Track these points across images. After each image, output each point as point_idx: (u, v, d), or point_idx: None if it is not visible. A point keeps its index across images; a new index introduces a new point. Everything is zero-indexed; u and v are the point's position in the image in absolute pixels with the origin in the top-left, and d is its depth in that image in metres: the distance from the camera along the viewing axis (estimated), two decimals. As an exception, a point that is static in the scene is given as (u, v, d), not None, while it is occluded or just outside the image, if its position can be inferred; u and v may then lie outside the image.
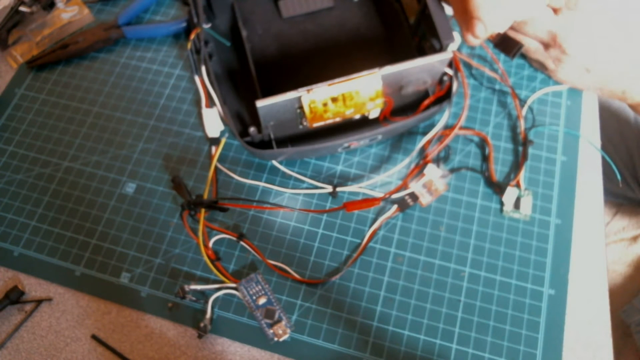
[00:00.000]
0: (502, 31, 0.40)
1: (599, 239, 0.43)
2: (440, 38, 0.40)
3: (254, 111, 0.38)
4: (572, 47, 0.44)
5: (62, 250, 0.43)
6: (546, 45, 0.45)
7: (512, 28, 0.45)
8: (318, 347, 0.39)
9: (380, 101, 0.39)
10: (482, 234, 0.43)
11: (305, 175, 0.45)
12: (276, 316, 0.40)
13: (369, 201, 0.42)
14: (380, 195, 0.43)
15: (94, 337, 0.40)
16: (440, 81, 0.43)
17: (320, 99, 0.37)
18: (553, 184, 0.44)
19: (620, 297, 0.59)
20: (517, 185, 0.44)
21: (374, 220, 0.43)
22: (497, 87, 0.48)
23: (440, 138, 0.45)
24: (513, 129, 0.47)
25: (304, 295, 0.41)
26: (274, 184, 0.45)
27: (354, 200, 0.42)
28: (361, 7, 0.50)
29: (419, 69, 0.38)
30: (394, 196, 0.43)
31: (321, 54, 0.48)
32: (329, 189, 0.44)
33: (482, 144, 0.46)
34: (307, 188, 0.45)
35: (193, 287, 0.40)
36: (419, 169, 0.44)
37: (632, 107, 0.47)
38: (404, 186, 0.44)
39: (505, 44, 0.40)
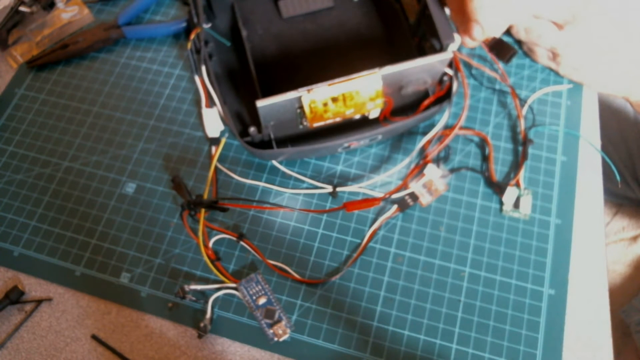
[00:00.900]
0: (497, 35, 0.41)
1: (599, 239, 0.43)
2: (440, 38, 0.40)
3: (254, 111, 0.38)
4: (574, 60, 0.45)
5: (62, 250, 0.43)
6: (553, 55, 0.46)
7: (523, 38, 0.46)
8: (318, 347, 0.39)
9: (380, 101, 0.39)
10: (482, 234, 0.43)
11: (305, 175, 0.45)
12: (276, 316, 0.40)
13: (369, 201, 0.42)
14: (380, 195, 0.43)
15: (94, 337, 0.40)
16: (440, 81, 0.43)
17: (321, 99, 0.37)
18: (553, 184, 0.44)
19: (620, 297, 0.59)
20: (517, 185, 0.44)
21: (374, 220, 0.43)
22: (497, 87, 0.48)
23: (440, 138, 0.45)
24: (513, 129, 0.47)
25: (304, 295, 0.41)
26: (274, 184, 0.45)
27: (354, 200, 0.42)
28: (361, 7, 0.50)
29: (419, 69, 0.38)
30: (394, 196, 0.43)
31: (321, 54, 0.48)
32: (329, 189, 0.44)
33: (482, 144, 0.46)
34: (307, 188, 0.45)
35: (193, 287, 0.40)
36: (419, 169, 0.44)
37: (634, 105, 0.47)
38: (404, 186, 0.44)
39: (500, 48, 0.41)
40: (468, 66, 0.49)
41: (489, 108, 0.48)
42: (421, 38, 0.45)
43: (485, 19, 0.38)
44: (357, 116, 0.41)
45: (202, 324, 0.39)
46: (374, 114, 0.42)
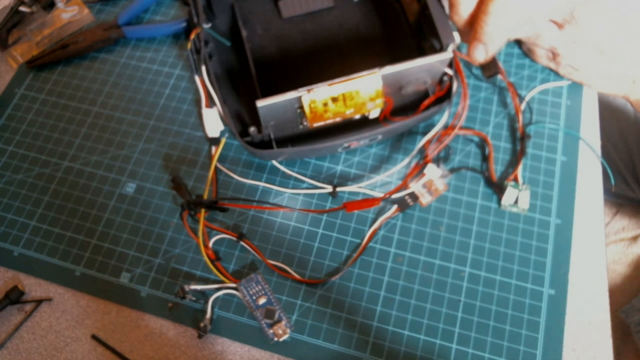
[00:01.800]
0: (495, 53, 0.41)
1: (599, 239, 0.43)
2: (440, 38, 0.40)
3: (254, 111, 0.38)
4: (574, 59, 0.45)
5: (62, 250, 0.43)
6: (553, 55, 0.46)
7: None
8: (318, 347, 0.39)
9: (380, 101, 0.39)
10: (482, 234, 0.43)
11: (305, 175, 0.45)
12: (276, 316, 0.40)
13: (369, 201, 0.42)
14: (380, 195, 0.43)
15: (94, 337, 0.40)
16: (440, 81, 0.43)
17: (321, 99, 0.37)
18: (553, 184, 0.44)
19: (620, 297, 0.59)
20: (515, 180, 0.44)
21: (374, 220, 0.43)
22: (497, 86, 0.48)
23: (441, 138, 0.45)
24: (513, 129, 0.47)
25: (304, 295, 0.41)
26: (274, 184, 0.45)
27: (354, 200, 0.42)
28: (361, 7, 0.50)
29: (419, 69, 0.38)
30: (394, 196, 0.43)
31: (321, 54, 0.48)
32: (329, 189, 0.44)
33: (482, 144, 0.46)
34: (307, 188, 0.45)
35: (193, 287, 0.40)
36: (419, 169, 0.44)
37: (634, 104, 0.47)
38: (404, 186, 0.44)
39: (488, 64, 0.41)
40: (468, 66, 0.49)
41: (489, 108, 0.48)
42: (421, 38, 0.45)
43: (494, 44, 0.38)
44: (357, 116, 0.41)
45: (202, 324, 0.39)
46: (374, 114, 0.42)
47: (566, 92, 0.48)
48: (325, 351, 0.39)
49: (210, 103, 0.48)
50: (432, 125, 0.46)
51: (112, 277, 0.42)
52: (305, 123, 0.40)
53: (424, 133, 0.46)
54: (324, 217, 0.44)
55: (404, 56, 0.39)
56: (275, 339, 0.39)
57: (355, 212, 0.44)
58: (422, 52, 0.45)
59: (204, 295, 0.41)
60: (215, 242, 0.43)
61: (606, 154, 0.67)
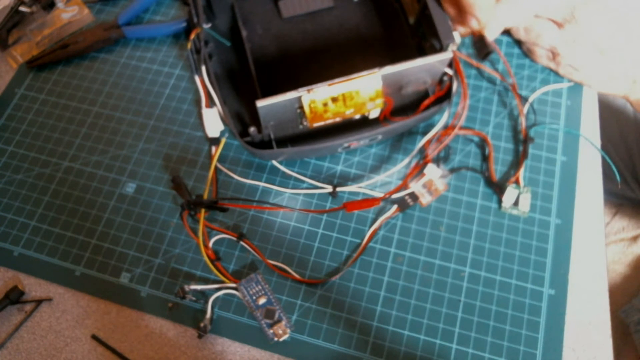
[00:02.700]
0: (496, 36, 0.41)
1: (599, 239, 0.43)
2: (440, 38, 0.40)
3: (254, 111, 0.38)
4: (574, 59, 0.45)
5: (62, 250, 0.43)
6: (553, 55, 0.46)
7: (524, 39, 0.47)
8: (318, 347, 0.39)
9: (380, 101, 0.39)
10: (482, 234, 0.43)
11: (305, 175, 0.45)
12: (276, 316, 0.40)
13: (369, 201, 0.42)
14: (380, 195, 0.43)
15: (94, 337, 0.40)
16: (440, 81, 0.43)
17: (321, 99, 0.37)
18: (553, 184, 0.44)
19: (620, 297, 0.59)
20: (516, 182, 0.44)
21: (374, 220, 0.43)
22: (497, 86, 0.48)
23: (441, 138, 0.45)
24: (513, 129, 0.47)
25: (304, 295, 0.41)
26: (274, 184, 0.45)
27: (354, 200, 0.42)
28: (361, 7, 0.50)
29: (419, 69, 0.38)
30: (394, 196, 0.43)
31: (321, 54, 0.48)
32: (329, 189, 0.44)
33: (482, 144, 0.46)
34: (307, 188, 0.45)
35: (193, 287, 0.40)
36: (419, 169, 0.44)
37: (633, 104, 0.47)
38: (404, 186, 0.44)
39: (480, 45, 0.41)
40: (468, 66, 0.49)
41: (489, 108, 0.48)
42: (421, 38, 0.45)
43: (492, 33, 0.39)
44: (357, 116, 0.41)
45: (202, 324, 0.39)
46: (374, 114, 0.42)
47: (566, 92, 0.48)
48: (325, 351, 0.39)
49: (210, 103, 0.48)
50: (432, 125, 0.46)
51: (112, 277, 0.42)
52: (305, 123, 0.40)
53: (424, 133, 0.46)
54: (324, 217, 0.44)
55: (404, 56, 0.39)
56: (275, 339, 0.39)
57: (355, 212, 0.44)
58: (422, 52, 0.45)
59: (204, 295, 0.41)
60: (215, 242, 0.43)
61: (606, 154, 0.67)
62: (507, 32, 0.50)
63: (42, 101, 0.50)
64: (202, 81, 0.47)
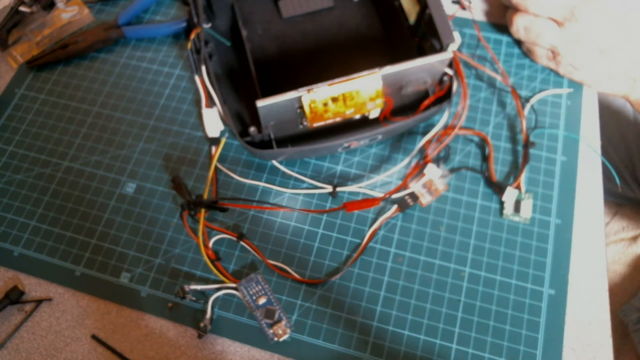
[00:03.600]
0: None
1: (599, 239, 0.43)
2: (440, 38, 0.40)
3: (254, 111, 0.38)
4: (574, 58, 0.45)
5: (62, 250, 0.43)
6: (553, 54, 0.46)
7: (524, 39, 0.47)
8: (318, 347, 0.39)
9: (380, 101, 0.39)
10: (482, 234, 0.43)
11: (305, 175, 0.45)
12: (276, 316, 0.40)
13: (369, 201, 0.42)
14: (380, 195, 0.43)
15: (94, 337, 0.40)
16: (440, 81, 0.43)
17: (321, 99, 0.37)
18: (553, 184, 0.44)
19: (619, 297, 0.59)
20: (518, 188, 0.43)
21: (374, 220, 0.43)
22: (497, 87, 0.48)
23: (440, 138, 0.45)
24: (513, 129, 0.47)
25: (304, 295, 0.41)
26: (274, 184, 0.45)
27: (354, 200, 0.42)
28: (361, 7, 0.50)
29: (419, 69, 0.38)
30: (394, 196, 0.43)
31: (321, 54, 0.48)
32: (329, 189, 0.44)
33: (482, 144, 0.46)
34: (307, 188, 0.45)
35: (193, 287, 0.40)
36: (419, 169, 0.44)
37: (633, 104, 0.47)
38: (404, 186, 0.44)
39: None
40: (468, 66, 0.49)
41: (489, 108, 0.48)
42: (421, 38, 0.45)
43: None
44: (357, 116, 0.41)
45: (202, 324, 0.39)
46: (374, 114, 0.42)
47: (566, 93, 0.48)
48: (325, 351, 0.39)
49: (210, 103, 0.48)
50: (432, 125, 0.46)
51: (112, 277, 0.42)
52: (305, 123, 0.40)
53: (424, 133, 0.46)
54: (324, 217, 0.44)
55: (404, 56, 0.39)
56: (275, 339, 0.39)
57: (355, 212, 0.44)
58: (422, 52, 0.45)
59: (204, 295, 0.41)
60: (215, 242, 0.43)
61: (606, 154, 0.67)
62: (507, 32, 0.50)
63: (42, 101, 0.50)
64: (202, 81, 0.47)
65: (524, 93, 0.48)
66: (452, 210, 0.44)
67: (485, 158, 0.45)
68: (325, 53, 0.48)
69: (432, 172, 0.43)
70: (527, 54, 0.49)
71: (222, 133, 0.47)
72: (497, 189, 0.44)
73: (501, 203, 0.43)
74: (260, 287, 0.40)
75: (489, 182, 0.44)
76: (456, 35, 0.40)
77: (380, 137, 0.43)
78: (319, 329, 0.40)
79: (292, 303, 0.41)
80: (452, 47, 0.40)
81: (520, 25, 0.46)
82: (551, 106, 0.47)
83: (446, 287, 0.41)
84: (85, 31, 0.52)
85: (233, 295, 0.41)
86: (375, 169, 0.46)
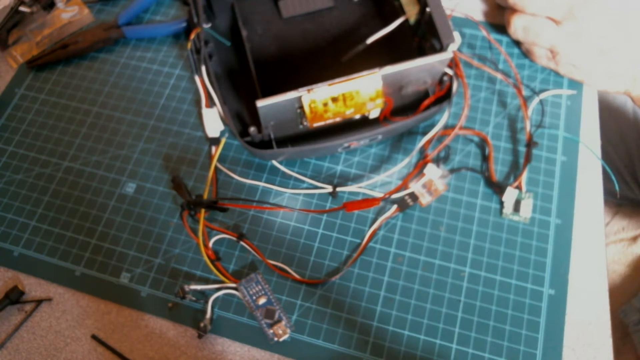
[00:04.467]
0: None
1: (599, 239, 0.43)
2: (440, 38, 0.40)
3: (254, 111, 0.38)
4: (574, 57, 0.45)
5: (62, 250, 0.43)
6: (552, 54, 0.46)
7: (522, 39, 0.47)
8: (318, 347, 0.39)
9: (380, 101, 0.39)
10: (482, 234, 0.43)
11: (305, 175, 0.45)
12: (276, 316, 0.40)
13: (369, 201, 0.42)
14: (380, 195, 0.43)
15: (94, 337, 0.40)
16: (440, 81, 0.43)
17: (321, 99, 0.37)
18: (553, 184, 0.44)
19: (619, 297, 0.59)
20: (519, 188, 0.43)
21: (374, 220, 0.43)
22: (497, 87, 0.48)
23: (441, 138, 0.45)
24: (513, 129, 0.47)
25: (304, 295, 0.41)
26: (274, 184, 0.45)
27: (354, 200, 0.42)
28: (361, 7, 0.50)
29: (419, 69, 0.38)
30: (394, 196, 0.43)
31: (321, 54, 0.48)
32: (329, 189, 0.44)
33: (482, 144, 0.46)
34: (307, 188, 0.45)
35: (193, 287, 0.40)
36: (419, 169, 0.44)
37: (635, 100, 0.47)
38: (403, 186, 0.44)
39: None
40: (468, 66, 0.49)
41: (489, 108, 0.48)
42: (421, 38, 0.45)
43: None
44: (357, 116, 0.41)
45: (202, 324, 0.39)
46: (374, 114, 0.42)
47: (566, 94, 0.48)
48: (325, 351, 0.39)
49: (210, 103, 0.48)
50: (432, 125, 0.46)
51: (112, 277, 0.42)
52: (305, 123, 0.40)
53: (424, 133, 0.46)
54: (324, 217, 0.44)
55: (404, 56, 0.39)
56: (275, 339, 0.39)
57: (355, 212, 0.44)
58: (422, 52, 0.45)
59: (204, 295, 0.41)
60: (215, 242, 0.43)
61: (605, 154, 0.67)
62: (506, 32, 0.50)
63: (42, 101, 0.50)
64: (202, 81, 0.47)
65: (524, 93, 0.48)
66: (452, 210, 0.44)
67: (485, 158, 0.45)
68: (326, 53, 0.48)
69: (432, 172, 0.43)
70: (526, 54, 0.49)
71: (222, 133, 0.47)
72: (497, 189, 0.44)
73: (501, 203, 0.43)
74: (260, 287, 0.40)
75: (489, 182, 0.44)
76: (456, 35, 0.40)
77: (380, 137, 0.43)
78: (319, 329, 0.40)
79: (292, 303, 0.41)
80: (452, 47, 0.40)
81: (518, 25, 0.46)
82: (551, 106, 0.47)
83: (446, 287, 0.41)
84: (85, 31, 0.52)
85: (233, 295, 0.41)
86: (375, 169, 0.46)
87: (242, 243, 0.42)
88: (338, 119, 0.40)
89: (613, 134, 0.67)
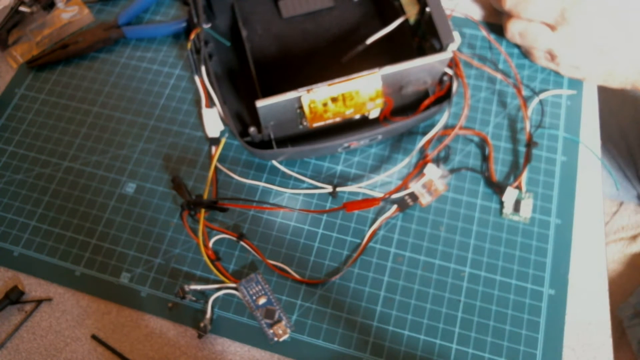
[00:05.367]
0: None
1: (599, 239, 0.43)
2: (440, 38, 0.40)
3: (254, 111, 0.38)
4: (573, 59, 0.45)
5: (62, 250, 0.43)
6: (551, 56, 0.46)
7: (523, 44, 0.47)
8: (318, 347, 0.39)
9: (380, 101, 0.39)
10: (482, 234, 0.43)
11: (305, 175, 0.45)
12: (276, 316, 0.40)
13: (369, 201, 0.42)
14: (380, 195, 0.43)
15: (94, 337, 0.40)
16: (440, 81, 0.43)
17: (320, 99, 0.37)
18: (553, 184, 0.44)
19: (618, 296, 0.59)
20: (519, 188, 0.43)
21: (374, 220, 0.43)
22: (497, 87, 0.48)
23: (441, 138, 0.45)
24: (513, 129, 0.47)
25: (304, 295, 0.41)
26: (274, 184, 0.45)
27: (354, 200, 0.42)
28: (361, 7, 0.50)
29: (419, 69, 0.38)
30: (394, 196, 0.43)
31: (321, 54, 0.48)
32: (329, 189, 0.44)
33: (482, 144, 0.46)
34: (307, 188, 0.45)
35: (193, 287, 0.40)
36: (419, 169, 0.44)
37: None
38: (403, 186, 0.44)
39: None
40: (468, 66, 0.49)
41: (489, 108, 0.48)
42: (421, 38, 0.45)
43: None
44: (357, 116, 0.41)
45: (202, 324, 0.39)
46: (374, 114, 0.42)
47: (566, 94, 0.48)
48: (325, 351, 0.39)
49: (210, 103, 0.48)
50: (432, 125, 0.46)
51: (112, 277, 0.42)
52: (305, 123, 0.40)
53: (424, 133, 0.46)
54: (324, 217, 0.44)
55: (404, 56, 0.39)
56: (275, 339, 0.39)
57: (355, 212, 0.44)
58: (422, 52, 0.45)
59: (204, 295, 0.41)
60: (215, 242, 0.43)
61: (606, 150, 0.67)
62: (503, 36, 0.50)
63: (42, 101, 0.50)
64: (202, 81, 0.47)
65: (523, 93, 0.48)
66: (452, 210, 0.44)
67: (485, 158, 0.45)
68: (325, 53, 0.48)
69: (432, 172, 0.43)
70: (526, 55, 0.49)
71: (222, 133, 0.47)
72: (497, 189, 0.44)
73: (501, 203, 0.43)
74: (260, 287, 0.41)
75: (489, 182, 0.44)
76: (456, 35, 0.40)
77: (380, 137, 0.43)
78: (319, 329, 0.40)
79: (292, 303, 0.41)
80: (452, 47, 0.40)
81: (515, 31, 0.46)
82: (551, 106, 0.47)
83: (446, 287, 0.41)
84: (85, 31, 0.52)
85: (233, 295, 0.41)
86: (375, 169, 0.46)
87: (242, 243, 0.42)
88: (338, 119, 0.40)
89: (614, 131, 0.67)
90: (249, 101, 0.44)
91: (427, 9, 0.41)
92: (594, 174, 0.45)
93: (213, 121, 0.47)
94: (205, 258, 0.42)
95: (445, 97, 0.43)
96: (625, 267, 0.63)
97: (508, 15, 0.47)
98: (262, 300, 0.40)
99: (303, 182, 0.45)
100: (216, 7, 0.49)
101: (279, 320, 0.40)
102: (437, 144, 0.46)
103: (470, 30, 0.51)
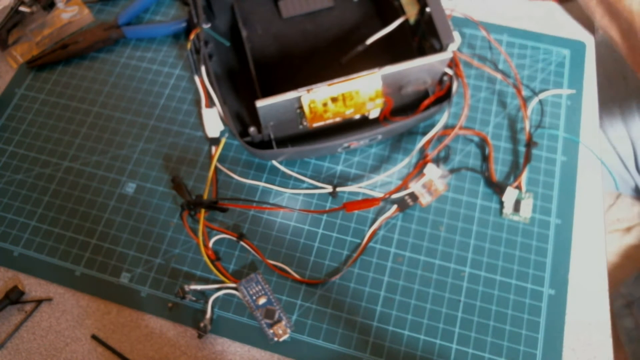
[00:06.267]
0: None
1: (599, 239, 0.43)
2: (440, 38, 0.40)
3: (254, 111, 0.38)
4: None
5: (62, 250, 0.43)
6: None
7: None
8: (318, 347, 0.39)
9: (380, 101, 0.39)
10: (482, 234, 0.43)
11: (305, 175, 0.45)
12: (276, 316, 0.40)
13: (369, 201, 0.42)
14: (380, 195, 0.43)
15: (94, 337, 0.40)
16: (440, 81, 0.43)
17: (320, 99, 0.37)
18: (553, 184, 0.44)
19: (611, 287, 0.60)
20: (519, 188, 0.43)
21: (374, 220, 0.43)
22: (497, 87, 0.48)
23: (441, 138, 0.45)
24: (513, 129, 0.47)
25: (304, 295, 0.41)
26: (274, 184, 0.45)
27: (354, 201, 0.42)
28: (361, 7, 0.50)
29: (419, 69, 0.38)
30: (394, 196, 0.43)
31: (321, 54, 0.48)
32: (329, 189, 0.44)
33: (482, 144, 0.46)
34: (307, 188, 0.45)
35: (193, 287, 0.40)
36: (419, 169, 0.44)
37: None
38: (403, 186, 0.44)
39: None
40: (468, 66, 0.49)
41: (489, 108, 0.48)
42: (421, 38, 0.45)
43: None
44: (357, 116, 0.41)
45: (202, 324, 0.39)
46: (373, 114, 0.42)
47: (566, 94, 0.48)
48: (325, 351, 0.39)
49: (210, 103, 0.48)
50: (432, 125, 0.46)
51: (112, 277, 0.42)
52: (305, 123, 0.40)
53: (424, 133, 0.46)
54: (324, 217, 0.44)
55: (404, 56, 0.39)
56: (275, 339, 0.39)
57: (355, 212, 0.44)
58: (422, 52, 0.45)
59: (204, 295, 0.41)
60: (215, 242, 0.43)
61: (608, 143, 0.67)
62: (506, 32, 0.50)
63: (42, 101, 0.50)
64: (202, 81, 0.47)
65: (523, 93, 0.48)
66: (452, 210, 0.44)
67: (485, 158, 0.45)
68: (325, 53, 0.48)
69: (432, 172, 0.43)
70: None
71: (222, 133, 0.47)
72: (497, 189, 0.44)
73: (501, 203, 0.43)
74: (260, 287, 0.41)
75: (489, 182, 0.44)
76: (456, 35, 0.40)
77: (380, 137, 0.43)
78: (319, 329, 0.40)
79: (292, 303, 0.41)
80: (452, 47, 0.40)
81: None
82: (551, 106, 0.47)
83: (446, 287, 0.41)
84: (85, 31, 0.52)
85: (233, 295, 0.41)
86: (375, 169, 0.46)
87: (242, 243, 0.42)
88: (338, 119, 0.40)
89: (617, 120, 0.66)
90: (249, 101, 0.44)
91: (427, 9, 0.41)
92: (593, 174, 0.45)
93: (213, 121, 0.47)
94: (205, 258, 0.42)
95: (445, 97, 0.43)
96: (619, 257, 0.63)
97: None
98: (262, 300, 0.40)
99: (303, 182, 0.45)
100: (216, 7, 0.49)
101: (279, 320, 0.40)
102: (437, 144, 0.46)
103: (470, 30, 0.51)
